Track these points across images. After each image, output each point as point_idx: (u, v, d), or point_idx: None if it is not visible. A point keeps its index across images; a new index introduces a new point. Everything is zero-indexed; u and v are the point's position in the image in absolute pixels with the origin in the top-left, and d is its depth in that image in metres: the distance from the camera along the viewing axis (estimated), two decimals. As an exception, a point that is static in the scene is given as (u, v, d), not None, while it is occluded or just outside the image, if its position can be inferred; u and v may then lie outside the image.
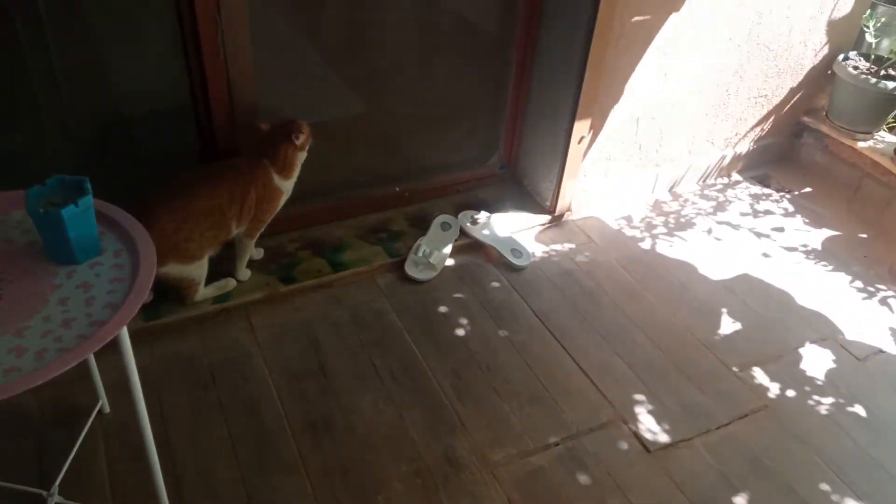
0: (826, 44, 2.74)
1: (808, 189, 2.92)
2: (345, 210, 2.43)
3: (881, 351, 2.18)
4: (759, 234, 2.65)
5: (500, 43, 2.42)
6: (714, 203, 2.79)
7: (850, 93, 2.74)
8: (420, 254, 2.27)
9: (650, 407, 1.92)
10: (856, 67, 2.73)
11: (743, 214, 2.74)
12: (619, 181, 2.65)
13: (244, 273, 2.13)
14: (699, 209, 2.75)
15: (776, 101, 2.81)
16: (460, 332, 2.10)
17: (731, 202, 2.81)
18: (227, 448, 1.71)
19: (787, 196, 2.88)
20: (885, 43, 2.78)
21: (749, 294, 2.35)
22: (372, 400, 1.86)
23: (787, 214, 2.77)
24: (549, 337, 2.11)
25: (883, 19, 2.72)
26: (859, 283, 2.45)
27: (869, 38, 2.74)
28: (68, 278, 1.23)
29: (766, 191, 2.90)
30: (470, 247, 2.41)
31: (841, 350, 2.17)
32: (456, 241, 2.38)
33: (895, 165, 2.65)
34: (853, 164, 2.83)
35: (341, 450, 1.73)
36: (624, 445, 1.82)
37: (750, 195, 2.86)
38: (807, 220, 2.74)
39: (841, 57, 2.77)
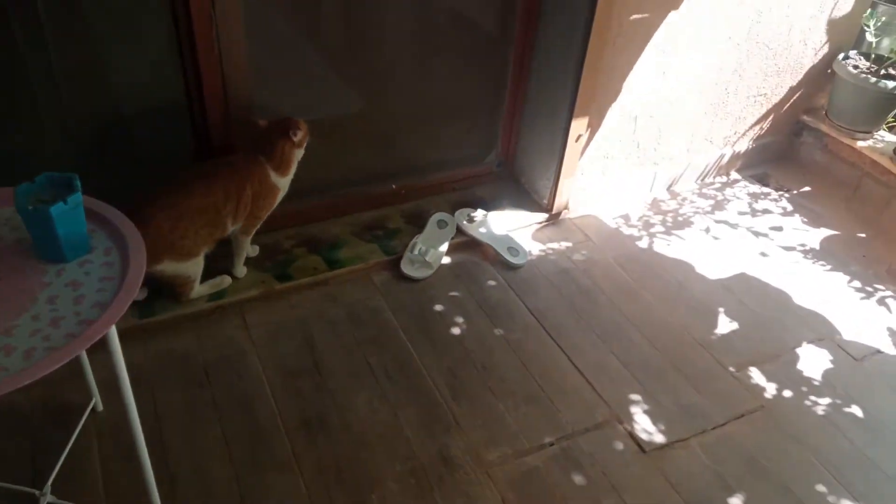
0: (826, 43, 2.73)
1: (806, 188, 2.91)
2: (341, 207, 2.42)
3: (879, 351, 2.17)
4: (757, 234, 2.64)
5: (499, 41, 2.41)
6: (712, 202, 2.78)
7: (850, 92, 2.73)
8: (416, 252, 2.26)
9: (646, 407, 1.91)
10: (856, 66, 2.72)
11: (741, 213, 2.73)
12: (616, 179, 2.64)
13: (241, 270, 2.12)
14: (697, 208, 2.74)
15: (775, 99, 2.80)
16: (456, 330, 2.09)
17: (729, 201, 2.80)
18: (222, 446, 1.70)
19: (786, 195, 2.86)
20: (886, 42, 2.77)
21: (747, 293, 2.34)
22: (367, 398, 1.86)
23: (785, 213, 2.76)
24: (545, 336, 2.10)
25: (883, 18, 2.71)
26: (857, 283, 2.44)
27: (869, 37, 2.73)
28: (57, 276, 1.22)
29: (765, 190, 2.89)
30: (466, 245, 2.40)
31: (838, 350, 2.16)
32: (452, 239, 2.37)
33: (894, 165, 2.64)
34: (852, 164, 2.82)
35: (336, 448, 1.72)
36: (619, 445, 1.81)
37: (748, 194, 2.85)
38: (805, 220, 2.73)
39: (841, 56, 2.75)
